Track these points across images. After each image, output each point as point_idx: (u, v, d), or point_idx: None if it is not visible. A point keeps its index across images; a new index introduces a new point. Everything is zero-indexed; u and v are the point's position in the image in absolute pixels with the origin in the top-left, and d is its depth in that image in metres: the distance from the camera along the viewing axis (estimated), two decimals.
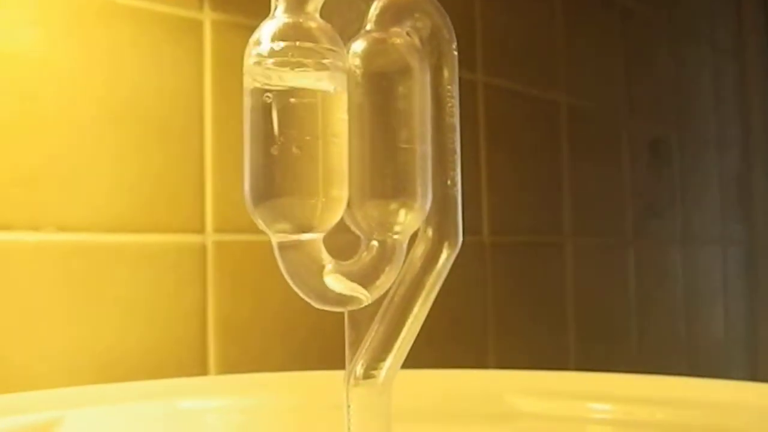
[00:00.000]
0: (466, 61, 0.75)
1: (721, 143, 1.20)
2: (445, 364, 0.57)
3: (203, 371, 0.52)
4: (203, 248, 0.53)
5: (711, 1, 1.21)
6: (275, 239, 0.21)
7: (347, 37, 0.23)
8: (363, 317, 0.23)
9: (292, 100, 0.21)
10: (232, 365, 0.53)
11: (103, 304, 0.48)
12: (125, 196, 0.49)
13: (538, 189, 0.83)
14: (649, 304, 1.00)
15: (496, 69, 0.78)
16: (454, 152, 0.24)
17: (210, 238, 0.53)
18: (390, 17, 0.24)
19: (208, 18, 0.54)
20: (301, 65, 0.21)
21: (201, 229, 0.52)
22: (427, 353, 0.65)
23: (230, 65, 0.53)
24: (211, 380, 0.51)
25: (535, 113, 0.84)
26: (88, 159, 0.48)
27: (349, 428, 0.22)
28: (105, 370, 0.48)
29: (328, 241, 0.22)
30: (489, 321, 0.75)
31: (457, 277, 0.80)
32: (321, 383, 0.45)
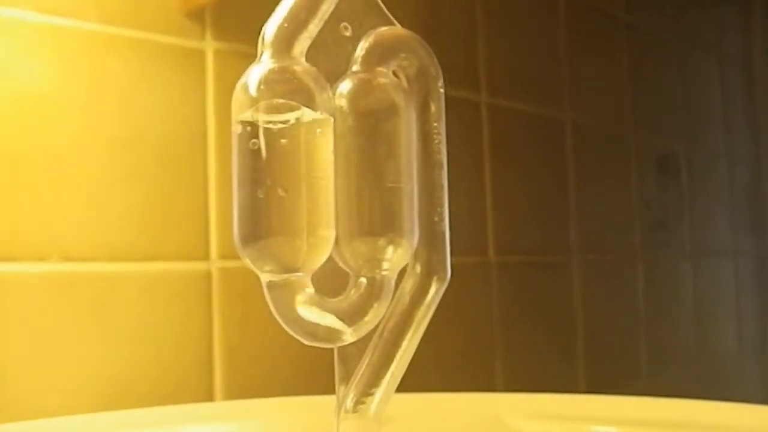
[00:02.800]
0: (469, 83, 0.75)
1: (731, 155, 1.20)
2: (452, 386, 0.57)
3: (209, 398, 0.53)
4: (208, 275, 0.53)
5: (719, 13, 1.21)
6: (263, 278, 0.22)
7: (334, 78, 0.24)
8: (353, 352, 0.24)
9: (279, 144, 0.21)
10: (238, 391, 0.54)
11: (109, 332, 0.49)
12: (130, 225, 0.50)
13: (544, 207, 0.83)
14: (659, 320, 1.00)
15: (500, 89, 0.78)
16: (442, 188, 0.25)
17: (215, 264, 0.53)
18: (375, 57, 0.24)
19: (210, 47, 0.55)
20: (287, 110, 0.22)
21: (206, 256, 0.53)
22: (434, 376, 0.66)
23: (232, 93, 0.54)
24: (217, 406, 0.52)
25: (540, 131, 0.84)
26: (93, 188, 0.49)
27: None
28: (112, 398, 0.49)
29: (317, 277, 0.23)
30: (496, 341, 0.75)
31: (463, 297, 0.80)
32: (324, 408, 0.45)
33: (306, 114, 0.22)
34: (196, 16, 0.54)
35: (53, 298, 0.47)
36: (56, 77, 0.48)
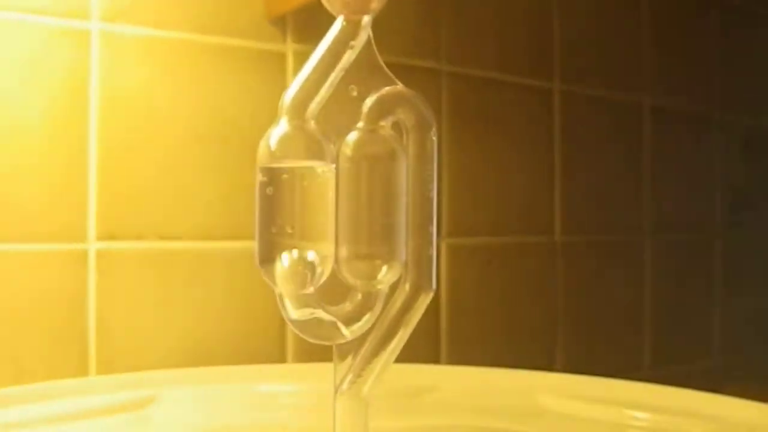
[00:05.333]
0: (541, 70, 0.79)
1: None
2: (512, 363, 0.60)
3: (282, 359, 0.61)
4: None
5: None
6: (276, 290, 0.28)
7: (344, 132, 0.30)
8: (349, 347, 0.30)
9: (288, 190, 0.28)
10: (307, 355, 0.61)
11: (197, 301, 0.57)
12: (217, 209, 0.58)
13: (615, 189, 0.86)
14: (738, 299, 1.00)
15: (575, 76, 0.81)
16: (432, 220, 0.30)
17: None
18: (377, 113, 0.30)
19: (290, 49, 0.61)
20: (298, 162, 0.28)
21: None
22: (495, 354, 0.71)
23: None
24: (287, 367, 0.60)
25: (616, 115, 0.86)
26: (185, 178, 0.57)
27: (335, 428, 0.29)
28: (198, 357, 0.57)
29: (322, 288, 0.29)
30: (559, 323, 0.79)
31: (528, 277, 0.84)
32: None
33: (312, 165, 0.28)
34: (279, 21, 0.61)
35: (150, 271, 0.55)
36: (156, 81, 0.56)
